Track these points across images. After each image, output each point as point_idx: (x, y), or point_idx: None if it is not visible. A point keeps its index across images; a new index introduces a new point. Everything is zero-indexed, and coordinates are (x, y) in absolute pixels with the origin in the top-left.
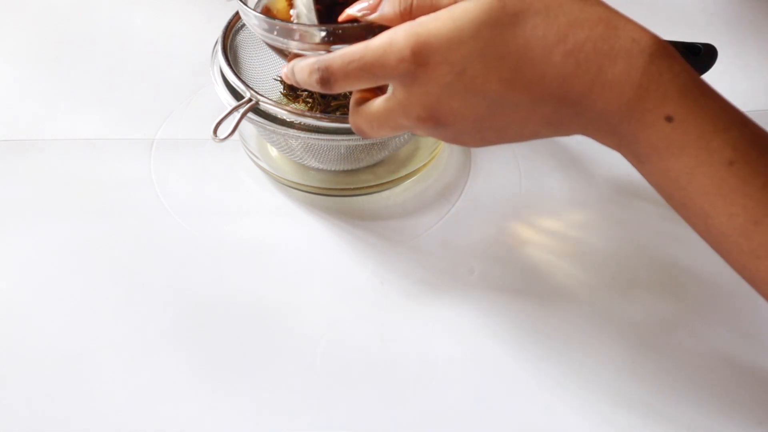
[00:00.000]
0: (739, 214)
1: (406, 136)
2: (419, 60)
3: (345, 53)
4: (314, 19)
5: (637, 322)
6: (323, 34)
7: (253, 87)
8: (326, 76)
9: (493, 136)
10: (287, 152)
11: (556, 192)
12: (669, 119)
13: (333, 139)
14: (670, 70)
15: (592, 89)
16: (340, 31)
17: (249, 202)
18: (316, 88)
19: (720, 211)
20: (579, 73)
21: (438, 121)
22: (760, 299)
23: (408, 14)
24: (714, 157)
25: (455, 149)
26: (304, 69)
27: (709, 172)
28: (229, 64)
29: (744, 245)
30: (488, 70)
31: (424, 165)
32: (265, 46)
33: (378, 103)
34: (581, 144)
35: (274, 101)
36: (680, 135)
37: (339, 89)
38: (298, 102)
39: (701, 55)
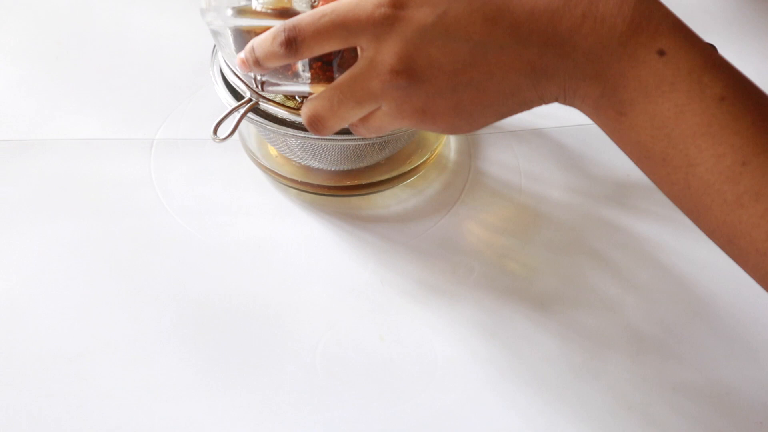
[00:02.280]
0: (726, 155)
1: (407, 135)
2: (398, 2)
3: (315, 10)
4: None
5: (638, 322)
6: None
7: (253, 87)
8: (292, 35)
9: (470, 98)
10: (287, 152)
11: (556, 192)
12: (661, 53)
13: (333, 139)
14: (658, 9)
15: (583, 24)
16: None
17: (249, 202)
18: (280, 57)
19: (707, 154)
20: (571, 6)
21: (412, 75)
22: (760, 298)
23: None
24: (705, 92)
25: (456, 149)
26: (267, 38)
27: (699, 109)
28: (229, 64)
29: (728, 193)
30: (473, 8)
31: (425, 164)
32: None
33: (341, 76)
34: (581, 144)
35: (274, 101)
36: (672, 70)
37: (307, 51)
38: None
39: None
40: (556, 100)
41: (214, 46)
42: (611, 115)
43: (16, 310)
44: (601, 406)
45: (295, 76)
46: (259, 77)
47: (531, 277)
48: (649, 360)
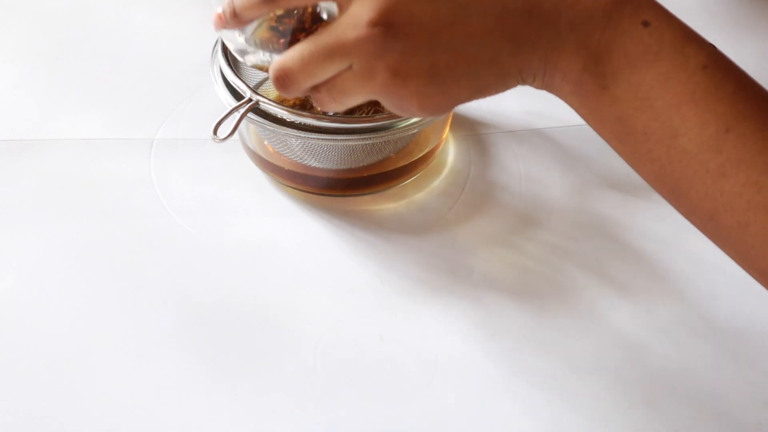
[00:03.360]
0: (710, 122)
1: (407, 135)
2: None
3: None
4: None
5: (637, 322)
6: None
7: (253, 87)
8: None
9: (446, 61)
10: (287, 152)
11: (556, 192)
12: (645, 24)
13: (333, 139)
14: None
15: None
16: None
17: (249, 202)
18: (257, 6)
19: (690, 123)
20: None
21: (389, 29)
22: (760, 298)
23: None
24: (689, 61)
25: (456, 149)
26: None
27: (683, 77)
28: (229, 64)
29: (711, 162)
30: None
31: (425, 165)
32: None
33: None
34: (581, 144)
35: (274, 101)
36: (656, 40)
37: (284, 1)
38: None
39: None
40: (535, 77)
41: (214, 46)
42: (593, 90)
43: (16, 310)
44: (601, 405)
45: (279, 45)
46: (240, 46)
47: (531, 276)
48: (649, 359)
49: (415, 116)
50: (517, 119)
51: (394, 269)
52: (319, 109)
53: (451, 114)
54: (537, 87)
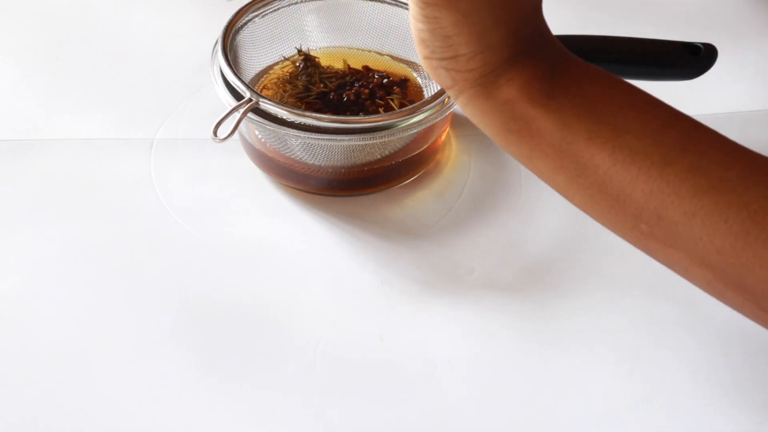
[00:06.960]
0: (652, 120)
1: (407, 135)
2: None
3: None
4: None
5: (638, 321)
6: None
7: (253, 87)
8: None
9: None
10: (287, 152)
11: (556, 192)
12: (586, 62)
13: (333, 139)
14: None
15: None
16: None
17: (249, 202)
18: None
19: (634, 122)
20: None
21: None
22: None
23: None
24: (624, 84)
25: (456, 148)
26: None
27: (624, 92)
28: (229, 64)
29: (655, 154)
30: None
31: (426, 164)
32: (265, 47)
33: None
34: None
35: (274, 101)
36: (595, 70)
37: None
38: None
39: (701, 55)
40: (483, 66)
41: (215, 46)
42: (538, 98)
43: (16, 310)
44: (601, 404)
45: None
46: None
47: (531, 276)
48: (650, 361)
49: None
50: None
51: (394, 269)
52: None
53: (450, 114)
54: (462, 89)
